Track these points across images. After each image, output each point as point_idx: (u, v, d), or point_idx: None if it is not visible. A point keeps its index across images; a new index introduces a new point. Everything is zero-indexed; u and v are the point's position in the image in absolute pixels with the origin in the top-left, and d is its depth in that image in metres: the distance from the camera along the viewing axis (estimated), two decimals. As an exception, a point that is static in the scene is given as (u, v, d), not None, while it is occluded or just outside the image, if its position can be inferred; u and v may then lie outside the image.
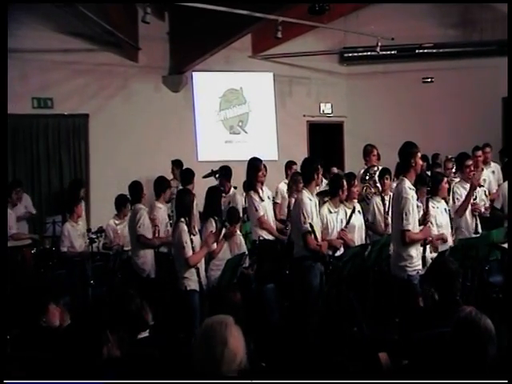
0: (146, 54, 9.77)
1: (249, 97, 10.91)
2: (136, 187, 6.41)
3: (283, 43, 9.94)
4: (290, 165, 7.68)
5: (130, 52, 9.62)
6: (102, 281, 6.20)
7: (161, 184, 6.42)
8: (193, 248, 5.20)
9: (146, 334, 3.54)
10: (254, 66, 10.85)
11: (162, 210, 6.44)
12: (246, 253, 5.94)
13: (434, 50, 10.94)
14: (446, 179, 6.02)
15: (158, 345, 3.42)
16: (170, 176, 7.95)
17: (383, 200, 6.12)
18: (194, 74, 10.39)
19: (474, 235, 5.98)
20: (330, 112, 11.46)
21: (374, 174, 6.82)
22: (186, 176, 7.05)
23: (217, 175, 7.84)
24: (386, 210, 6.02)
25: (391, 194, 6.08)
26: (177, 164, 8.63)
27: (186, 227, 5.21)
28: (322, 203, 5.78)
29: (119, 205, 6.77)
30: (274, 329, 5.64)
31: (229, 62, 10.37)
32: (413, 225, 4.84)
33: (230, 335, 2.15)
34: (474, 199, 6.14)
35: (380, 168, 6.87)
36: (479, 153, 7.31)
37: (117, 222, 6.76)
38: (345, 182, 5.75)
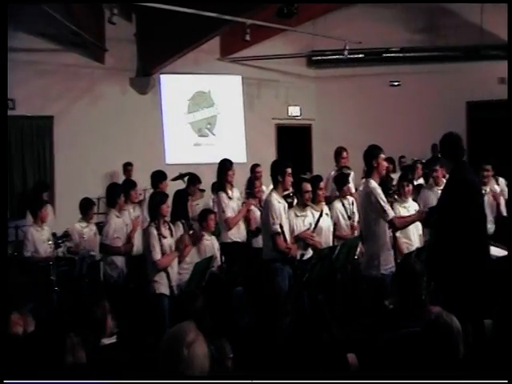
0: (112, 56, 9.65)
1: (217, 99, 10.89)
2: (111, 190, 6.26)
3: (252, 46, 9.96)
4: (254, 168, 7.68)
5: (96, 53, 9.48)
6: (67, 286, 6.05)
7: (113, 191, 6.23)
8: (163, 251, 5.15)
9: (113, 339, 3.48)
10: (222, 69, 10.83)
11: (119, 219, 6.14)
12: (217, 256, 5.90)
13: (401, 55, 11.13)
14: (409, 183, 6.10)
15: (125, 350, 3.36)
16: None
17: (343, 204, 6.14)
18: (162, 76, 10.32)
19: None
20: (298, 115, 11.53)
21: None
22: (155, 178, 6.96)
23: (185, 178, 7.77)
24: (349, 213, 6.05)
25: (349, 197, 6.16)
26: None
27: (155, 230, 5.18)
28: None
29: (84, 208, 6.61)
30: (243, 332, 5.60)
31: (197, 64, 10.32)
32: (382, 226, 4.91)
33: (191, 342, 2.13)
34: None
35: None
36: None
37: (82, 225, 6.59)
38: (308, 186, 5.74)
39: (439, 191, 5.66)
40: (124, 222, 6.16)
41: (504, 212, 6.70)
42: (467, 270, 4.24)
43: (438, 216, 4.63)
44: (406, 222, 5.05)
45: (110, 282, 5.92)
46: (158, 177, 6.77)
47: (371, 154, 4.98)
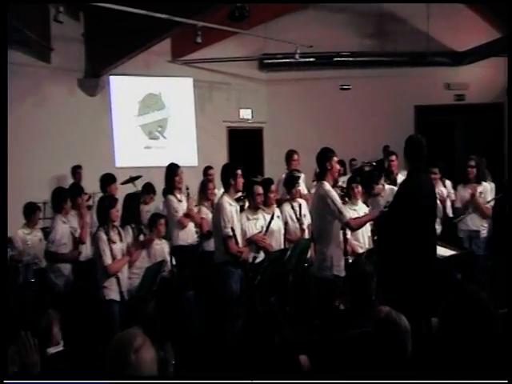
0: (59, 55, 9.37)
1: (168, 102, 10.76)
2: (57, 195, 6.03)
3: (203, 48, 9.90)
4: (206, 170, 7.63)
5: (41, 52, 9.16)
6: (10, 295, 5.81)
7: (58, 195, 6.02)
8: (113, 256, 5.06)
9: (59, 348, 3.39)
10: (173, 71, 10.71)
11: (65, 224, 5.95)
12: (168, 260, 5.82)
13: (351, 59, 11.28)
14: (358, 185, 6.19)
15: (72, 359, 3.28)
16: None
17: (292, 207, 6.17)
18: (111, 77, 10.11)
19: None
20: (249, 118, 11.53)
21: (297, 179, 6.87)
22: (104, 182, 6.80)
23: (135, 182, 7.65)
24: (298, 216, 6.08)
25: (298, 200, 6.20)
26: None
27: (104, 235, 5.10)
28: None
29: (28, 213, 6.38)
30: (194, 336, 5.55)
31: (148, 66, 10.18)
32: (335, 229, 4.97)
33: (138, 347, 2.11)
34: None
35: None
36: (394, 157, 7.58)
37: (26, 231, 6.35)
38: (260, 189, 5.74)
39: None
40: (70, 227, 5.98)
41: (450, 213, 6.89)
42: (413, 269, 4.35)
43: (386, 217, 4.73)
44: (362, 222, 5.09)
45: (55, 291, 5.72)
46: (107, 180, 6.62)
47: (324, 156, 5.01)
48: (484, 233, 6.54)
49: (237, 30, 9.28)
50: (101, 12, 8.12)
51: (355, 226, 5.00)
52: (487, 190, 6.62)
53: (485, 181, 6.71)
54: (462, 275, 5.23)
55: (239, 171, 5.43)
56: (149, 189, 7.37)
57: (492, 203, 6.64)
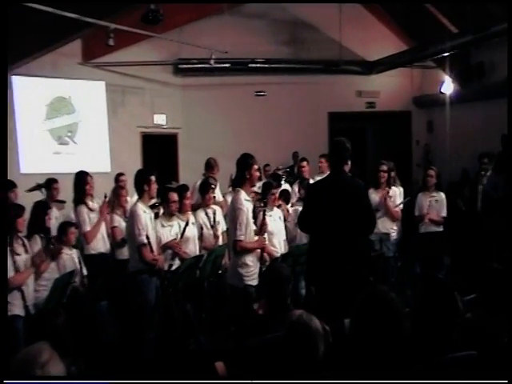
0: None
1: (78, 106, 10.37)
2: None
3: (116, 51, 9.61)
4: (118, 176, 7.43)
5: None
6: None
7: None
8: (16, 269, 4.77)
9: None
10: (84, 74, 10.34)
11: None
12: (79, 269, 5.59)
13: (266, 65, 11.40)
14: (275, 189, 6.24)
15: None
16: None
17: (206, 213, 6.13)
18: (14, 77, 9.50)
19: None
20: (164, 123, 11.35)
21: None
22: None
23: (43, 189, 7.26)
24: (212, 223, 6.04)
25: (213, 206, 6.17)
26: None
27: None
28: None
29: None
30: (108, 347, 5.36)
31: (56, 67, 9.75)
32: (248, 234, 4.91)
33: (45, 362, 2.03)
34: None
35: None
36: (305, 163, 7.76)
37: None
38: (174, 195, 5.64)
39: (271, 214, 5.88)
40: None
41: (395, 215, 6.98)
42: (321, 269, 4.43)
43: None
44: (246, 248, 4.94)
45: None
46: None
47: (245, 163, 4.93)
48: (394, 235, 6.77)
49: (151, 33, 9.10)
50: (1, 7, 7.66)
51: (238, 248, 4.88)
52: (396, 194, 6.87)
53: (394, 185, 6.96)
54: (373, 276, 5.37)
55: (153, 177, 5.30)
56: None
57: (401, 206, 6.91)
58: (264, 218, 5.30)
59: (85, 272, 5.69)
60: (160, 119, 11.29)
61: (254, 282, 4.91)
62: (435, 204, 6.90)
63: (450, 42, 9.38)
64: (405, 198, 6.97)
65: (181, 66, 11.21)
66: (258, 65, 11.32)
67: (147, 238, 5.06)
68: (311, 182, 7.59)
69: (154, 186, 5.32)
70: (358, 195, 4.50)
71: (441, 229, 6.91)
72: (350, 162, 4.56)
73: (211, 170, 7.40)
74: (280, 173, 8.19)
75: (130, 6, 7.69)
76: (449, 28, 10.38)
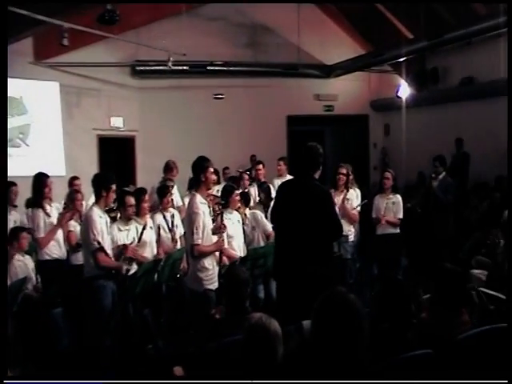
0: None
1: (30, 107, 10.08)
2: None
3: (71, 51, 9.43)
4: (72, 180, 7.25)
5: None
6: None
7: None
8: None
9: None
10: (36, 74, 10.07)
11: None
12: (32, 276, 5.43)
13: (225, 68, 11.37)
14: (236, 192, 6.21)
15: None
16: None
17: (164, 217, 6.05)
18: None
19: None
20: (121, 126, 11.18)
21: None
22: None
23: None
24: (170, 226, 5.97)
25: (171, 209, 6.09)
26: None
27: None
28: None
29: None
30: (63, 355, 5.22)
31: (5, 66, 9.46)
32: (205, 238, 4.86)
33: None
34: None
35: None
36: (260, 166, 7.76)
37: None
38: (131, 199, 5.53)
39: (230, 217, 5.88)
40: None
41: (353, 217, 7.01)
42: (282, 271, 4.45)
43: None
44: (205, 252, 4.89)
45: None
46: None
47: (200, 166, 4.88)
48: (351, 237, 6.82)
49: (107, 34, 8.96)
50: None
51: (196, 252, 4.83)
52: (354, 197, 6.93)
53: (351, 188, 7.02)
54: (332, 278, 5.40)
55: (113, 186, 5.15)
56: None
57: (358, 209, 6.97)
58: (222, 220, 5.26)
59: (38, 278, 5.52)
60: (117, 122, 11.11)
61: (214, 286, 4.86)
62: (392, 206, 6.98)
63: (406, 48, 9.59)
64: (362, 201, 7.04)
65: (138, 68, 11.09)
66: (217, 67, 11.30)
67: (98, 243, 4.92)
68: (270, 185, 7.63)
69: (113, 195, 5.20)
70: (323, 202, 4.45)
71: (397, 230, 7.00)
72: (319, 169, 4.52)
73: (170, 172, 7.31)
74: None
75: (84, 6, 7.53)
76: (405, 34, 10.62)
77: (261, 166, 8.08)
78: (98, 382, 2.24)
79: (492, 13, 8.17)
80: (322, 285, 3.83)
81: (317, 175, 4.49)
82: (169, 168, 7.35)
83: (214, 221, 5.23)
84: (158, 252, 5.66)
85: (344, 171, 6.89)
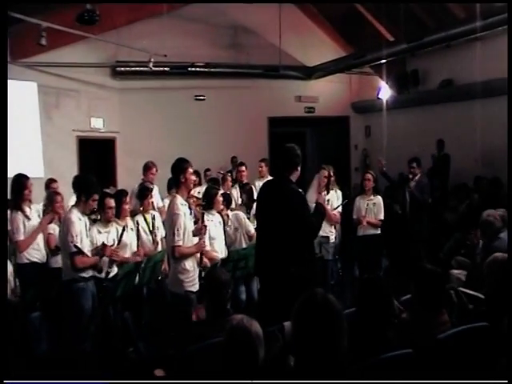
0: None
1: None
2: None
3: (49, 51, 9.30)
4: (49, 183, 7.15)
5: None
6: None
7: None
8: None
9: None
10: (13, 74, 9.80)
11: None
12: (10, 279, 5.36)
13: (206, 69, 11.34)
14: (219, 193, 6.20)
15: None
16: None
17: (145, 219, 6.01)
18: None
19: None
20: (101, 127, 11.06)
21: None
22: None
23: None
24: (151, 228, 5.93)
25: (152, 212, 6.05)
26: None
27: None
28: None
29: None
30: (41, 361, 5.14)
31: (-22, 64, 9.30)
32: (186, 239, 4.83)
33: None
34: None
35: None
36: (243, 168, 7.75)
37: None
38: (111, 202, 5.48)
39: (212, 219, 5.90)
40: None
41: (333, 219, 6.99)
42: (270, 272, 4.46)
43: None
44: (185, 253, 4.83)
45: None
46: None
47: (179, 168, 4.85)
48: (332, 238, 6.84)
49: (87, 34, 8.87)
50: None
51: (177, 254, 4.77)
52: (335, 198, 6.95)
53: (332, 189, 7.04)
54: (313, 279, 5.41)
55: (96, 196, 5.09)
56: None
57: (339, 210, 7.00)
58: (203, 221, 5.24)
59: (17, 282, 5.43)
60: (97, 123, 10.99)
61: (195, 288, 4.83)
62: (373, 207, 7.03)
63: (387, 50, 9.66)
64: (343, 202, 7.07)
65: (118, 69, 10.98)
66: (198, 69, 11.24)
67: (76, 246, 4.85)
68: (253, 186, 7.63)
69: (93, 203, 5.12)
70: (295, 204, 4.41)
71: (378, 231, 7.05)
72: (299, 169, 4.51)
73: (149, 173, 7.22)
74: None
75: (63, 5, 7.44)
76: (385, 36, 10.70)
77: (243, 168, 8.07)
78: (99, 382, 2.23)
79: (470, 17, 8.27)
80: (302, 286, 3.84)
81: (294, 176, 4.47)
82: (147, 169, 7.27)
83: (195, 222, 5.22)
84: (138, 253, 5.61)
85: (326, 174, 6.91)
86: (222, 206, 6.19)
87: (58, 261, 5.80)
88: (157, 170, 7.29)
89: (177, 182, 4.90)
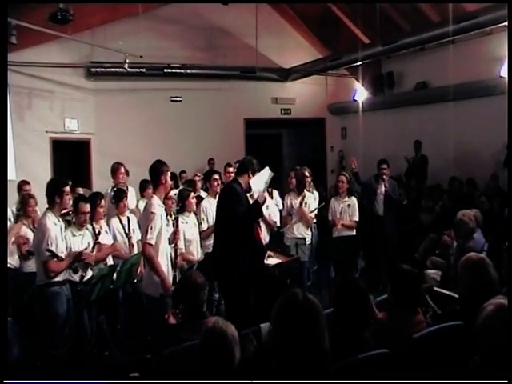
0: None
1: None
2: None
3: (20, 50, 9.11)
4: (21, 185, 7.01)
5: None
6: None
7: None
8: None
9: None
10: (-19, 73, 9.71)
11: None
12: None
13: (182, 71, 11.28)
14: (192, 194, 6.16)
15: None
16: None
17: (121, 221, 5.95)
18: None
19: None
20: (75, 128, 10.88)
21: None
22: None
23: None
24: (127, 230, 5.87)
25: (128, 214, 6.00)
26: None
27: None
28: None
29: None
30: (13, 367, 5.02)
31: None
32: (159, 240, 4.78)
33: None
34: None
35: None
36: (231, 169, 7.67)
37: None
38: (85, 206, 5.39)
39: (187, 221, 5.97)
40: None
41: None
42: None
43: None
44: (152, 256, 4.77)
45: None
46: None
47: (158, 170, 4.83)
48: (308, 240, 6.85)
49: (60, 33, 8.73)
50: None
51: (146, 252, 4.75)
52: (312, 200, 6.96)
53: (309, 191, 7.06)
54: (290, 280, 5.42)
55: (66, 189, 4.99)
56: None
57: (316, 212, 7.02)
58: (177, 226, 5.22)
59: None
60: (71, 124, 10.81)
61: (169, 290, 4.78)
62: (347, 209, 7.06)
63: (362, 52, 9.73)
64: (320, 204, 7.09)
65: (93, 70, 10.84)
66: (174, 70, 11.18)
67: (50, 251, 4.75)
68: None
69: (67, 198, 5.01)
70: (226, 198, 5.04)
71: (353, 233, 7.07)
72: (248, 176, 4.99)
73: (117, 175, 7.07)
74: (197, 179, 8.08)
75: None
76: (361, 39, 10.78)
77: (231, 170, 7.80)
78: (101, 382, 2.22)
79: (444, 20, 8.39)
80: (278, 288, 3.85)
81: (244, 181, 4.98)
82: (115, 170, 7.10)
83: (174, 225, 5.21)
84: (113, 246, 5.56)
85: (307, 174, 6.93)
86: (195, 208, 6.15)
87: (30, 265, 5.69)
88: (126, 170, 7.18)
89: (155, 184, 4.88)
